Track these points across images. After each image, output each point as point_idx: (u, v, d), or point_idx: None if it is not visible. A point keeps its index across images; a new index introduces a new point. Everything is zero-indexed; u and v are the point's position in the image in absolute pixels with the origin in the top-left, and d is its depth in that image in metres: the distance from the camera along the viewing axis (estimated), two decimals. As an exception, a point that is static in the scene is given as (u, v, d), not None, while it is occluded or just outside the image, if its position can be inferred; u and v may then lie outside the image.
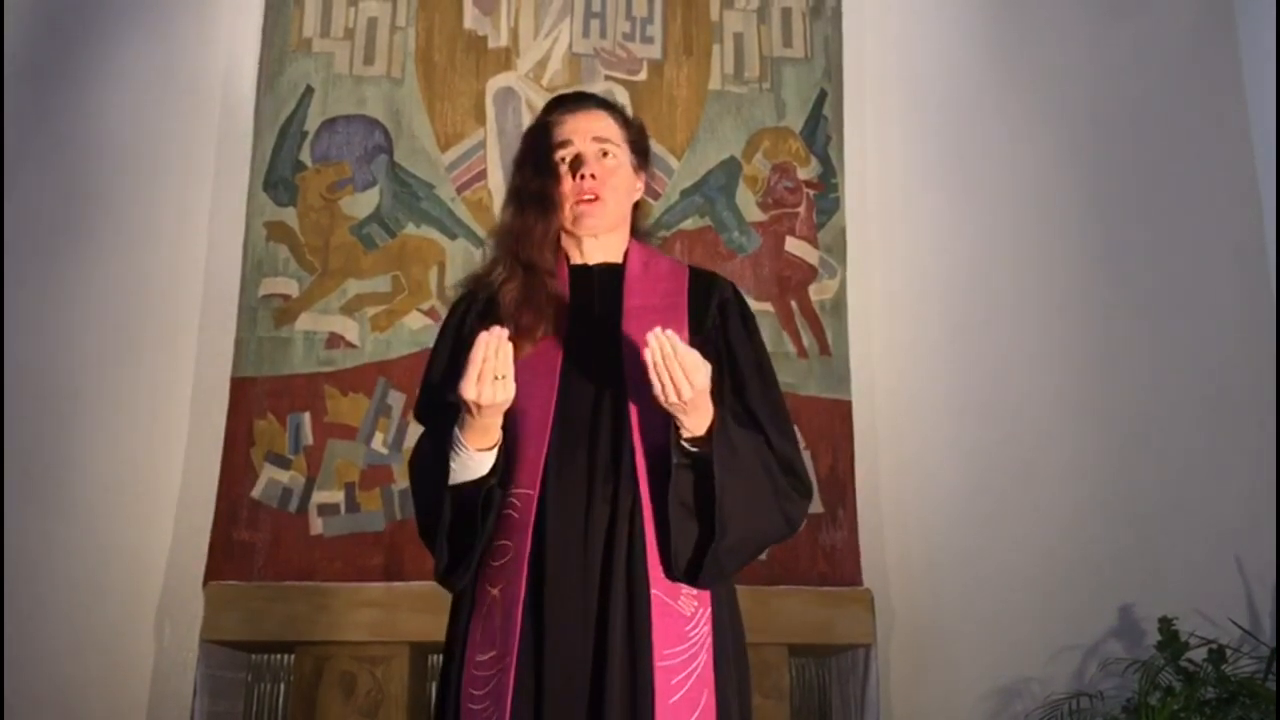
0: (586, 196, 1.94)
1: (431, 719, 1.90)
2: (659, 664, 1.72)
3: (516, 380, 1.75)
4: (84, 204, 4.00)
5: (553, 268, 1.93)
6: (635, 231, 2.06)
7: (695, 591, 1.78)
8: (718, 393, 1.81)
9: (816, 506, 3.85)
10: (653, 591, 1.75)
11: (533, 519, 1.79)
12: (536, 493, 1.80)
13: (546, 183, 1.95)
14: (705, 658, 1.76)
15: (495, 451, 1.80)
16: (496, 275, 1.93)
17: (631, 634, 1.74)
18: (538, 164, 1.97)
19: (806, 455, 3.85)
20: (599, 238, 1.99)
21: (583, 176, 1.93)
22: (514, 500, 1.82)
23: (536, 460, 1.81)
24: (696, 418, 1.75)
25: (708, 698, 1.74)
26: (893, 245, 4.24)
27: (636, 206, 2.06)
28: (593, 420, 1.84)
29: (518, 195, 1.97)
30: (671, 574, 1.76)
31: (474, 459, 1.80)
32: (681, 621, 1.76)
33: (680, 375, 1.68)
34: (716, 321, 1.95)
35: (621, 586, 1.76)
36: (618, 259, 2.00)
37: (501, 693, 1.72)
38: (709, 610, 1.79)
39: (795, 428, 3.83)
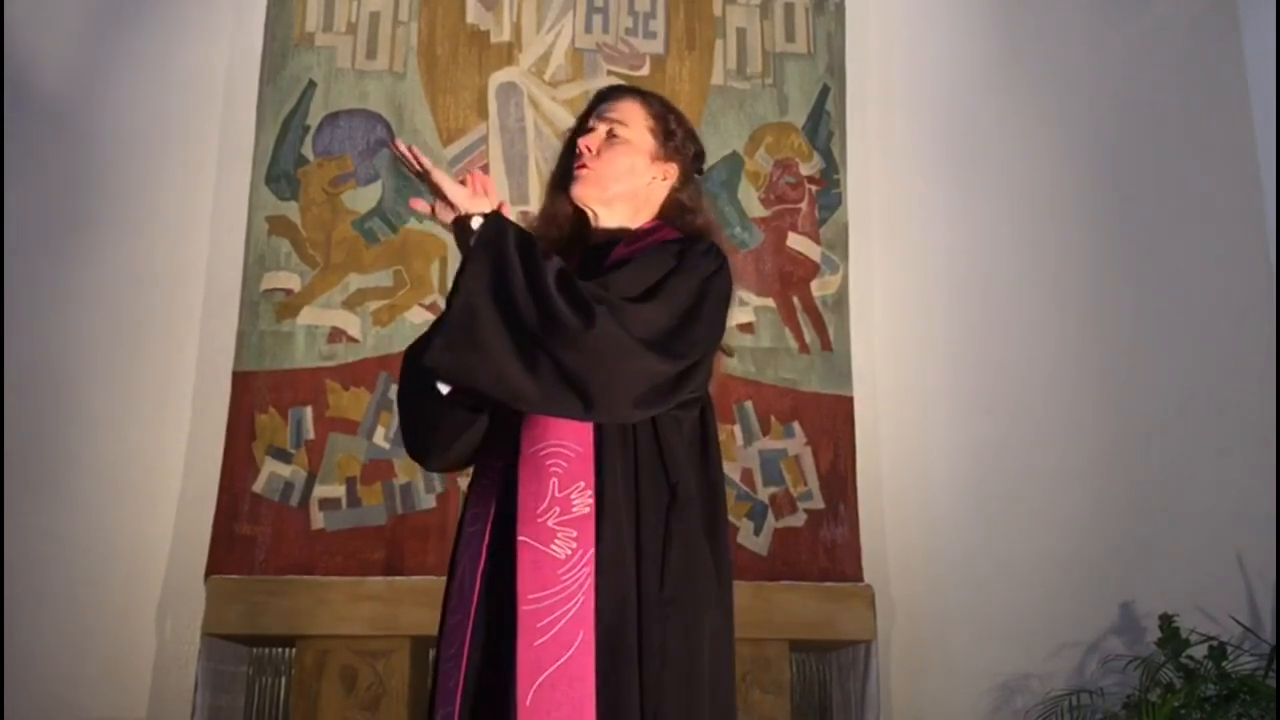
0: (578, 165, 2.01)
1: None
2: (523, 608, 1.75)
3: None
4: (86, 197, 4.01)
5: (567, 241, 2.02)
6: (668, 220, 2.06)
7: (574, 533, 1.79)
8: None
9: (818, 503, 3.85)
10: (520, 538, 1.79)
11: (499, 488, 1.86)
12: (504, 462, 1.86)
13: (561, 165, 2.06)
14: (583, 599, 1.76)
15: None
16: None
17: (501, 578, 1.79)
18: (564, 150, 2.09)
19: (807, 451, 3.86)
20: (599, 215, 2.03)
21: (580, 150, 2.01)
22: (489, 469, 1.90)
23: (510, 431, 1.87)
24: (463, 198, 1.81)
25: (584, 638, 1.75)
26: (895, 241, 4.23)
27: (673, 200, 2.06)
28: None
29: (550, 181, 2.11)
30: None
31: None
32: (553, 565, 1.77)
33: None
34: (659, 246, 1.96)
35: (500, 535, 1.82)
36: (620, 234, 2.04)
37: (461, 646, 1.80)
38: (590, 552, 1.78)
39: (796, 423, 3.83)
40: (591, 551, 1.78)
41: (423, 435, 1.95)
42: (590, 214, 2.04)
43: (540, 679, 1.72)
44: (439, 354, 1.76)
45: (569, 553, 1.78)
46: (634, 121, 2.03)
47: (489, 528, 1.85)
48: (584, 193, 2.01)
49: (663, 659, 1.79)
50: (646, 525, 1.84)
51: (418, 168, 1.83)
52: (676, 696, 1.78)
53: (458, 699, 1.78)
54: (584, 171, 2.00)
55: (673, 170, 2.06)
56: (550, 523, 1.79)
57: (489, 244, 1.78)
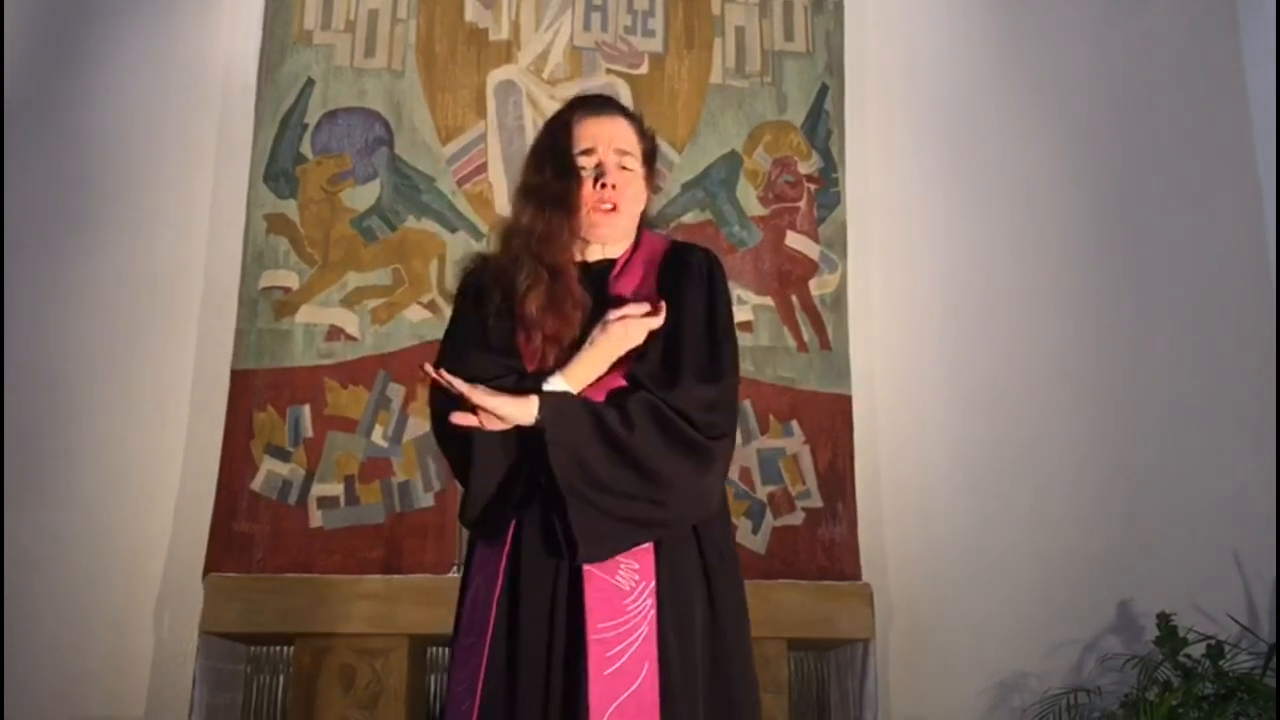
0: (605, 206, 1.97)
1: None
2: (593, 637, 1.76)
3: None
4: (85, 195, 4.00)
5: (575, 271, 1.96)
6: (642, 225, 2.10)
7: (636, 565, 1.81)
8: (639, 350, 1.89)
9: (816, 501, 3.85)
10: (585, 567, 1.80)
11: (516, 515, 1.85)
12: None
13: (569, 185, 1.97)
14: (647, 630, 1.78)
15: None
16: (521, 280, 1.94)
17: (570, 609, 1.79)
18: (559, 165, 1.99)
19: (806, 450, 3.86)
20: (604, 243, 2.03)
21: (603, 186, 1.97)
22: None
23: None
24: (514, 411, 1.78)
25: (649, 669, 1.76)
26: (893, 240, 4.23)
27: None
28: None
29: (539, 194, 1.98)
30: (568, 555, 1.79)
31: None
32: (619, 595, 1.79)
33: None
34: (677, 281, 1.97)
35: (565, 564, 1.81)
36: (616, 255, 2.04)
37: (475, 675, 1.79)
38: (652, 584, 1.81)
39: (794, 422, 3.84)
40: (653, 584, 1.81)
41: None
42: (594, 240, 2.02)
43: (611, 708, 1.73)
44: (595, 553, 1.78)
45: (632, 584, 1.80)
46: (634, 150, 2.03)
47: (506, 551, 1.83)
48: (609, 234, 2.00)
49: (728, 678, 1.84)
50: (706, 540, 1.89)
51: (456, 393, 1.77)
52: (745, 710, 1.85)
53: None
54: (614, 215, 1.98)
55: (651, 187, 2.09)
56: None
57: (569, 450, 1.77)
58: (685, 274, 1.97)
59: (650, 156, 2.07)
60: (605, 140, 2.00)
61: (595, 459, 1.77)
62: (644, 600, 1.80)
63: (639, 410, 1.81)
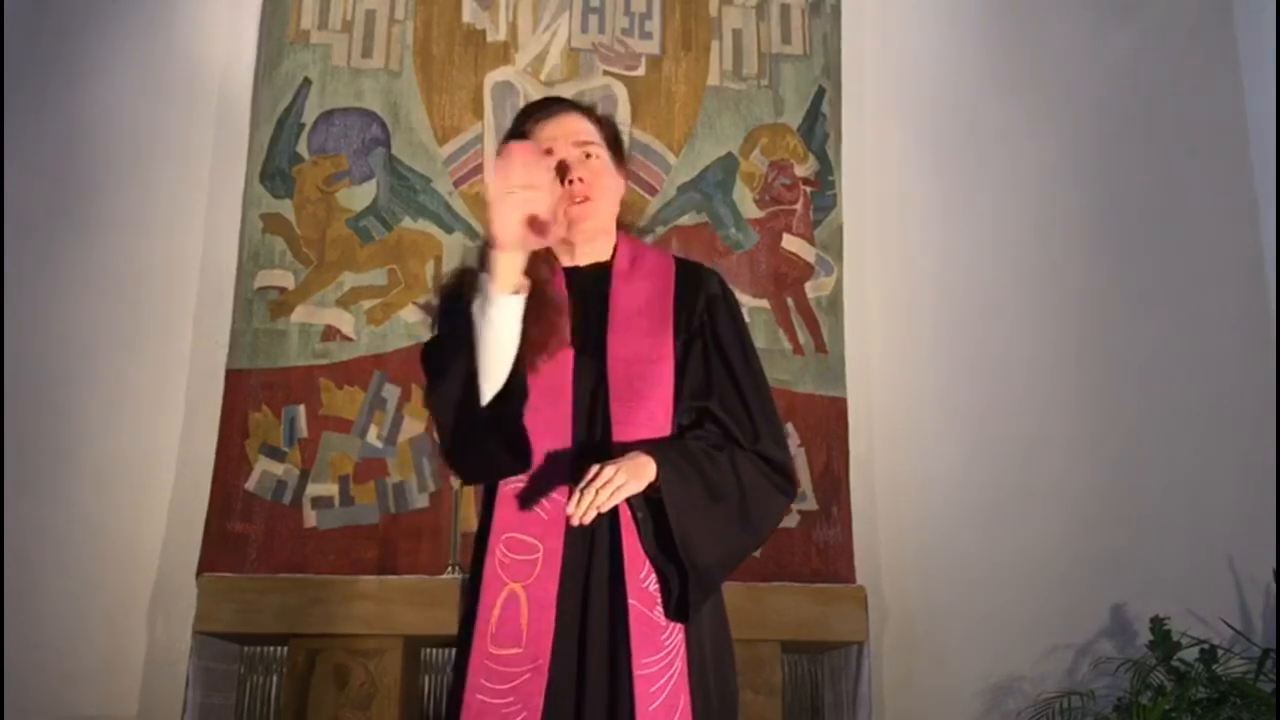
0: (578, 199, 1.92)
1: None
2: (638, 673, 1.73)
3: (531, 393, 1.79)
4: (81, 194, 4.00)
5: (550, 276, 1.90)
6: (620, 225, 2.05)
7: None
8: (703, 390, 1.88)
9: (811, 504, 3.85)
10: (630, 602, 1.76)
11: (564, 524, 1.77)
12: (566, 498, 1.78)
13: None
14: (680, 664, 1.76)
15: (522, 300, 1.77)
16: None
17: (612, 645, 1.76)
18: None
19: (801, 452, 3.87)
20: (591, 240, 1.98)
21: (571, 181, 1.92)
22: (543, 500, 1.82)
23: (560, 467, 1.82)
24: (634, 482, 1.73)
25: (685, 701, 1.75)
26: (890, 243, 4.24)
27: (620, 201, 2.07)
28: (588, 430, 1.84)
29: None
30: (669, 615, 1.78)
31: (505, 308, 1.75)
32: (658, 630, 1.77)
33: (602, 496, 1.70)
34: (704, 319, 1.94)
35: (602, 597, 1.78)
36: (606, 257, 2.00)
37: (532, 692, 1.73)
38: None
39: (789, 425, 3.87)
40: None
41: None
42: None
43: None
44: (709, 585, 1.81)
45: (666, 619, 1.79)
46: (597, 139, 1.98)
47: (561, 552, 1.78)
48: (591, 226, 1.95)
49: (726, 702, 1.84)
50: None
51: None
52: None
53: None
54: (589, 205, 1.93)
55: (624, 174, 2.04)
56: (651, 587, 1.79)
57: (680, 494, 1.77)
58: (714, 307, 1.95)
59: (615, 144, 2.02)
60: (562, 136, 1.94)
61: (706, 509, 1.80)
62: (675, 636, 1.78)
63: (746, 465, 1.86)
